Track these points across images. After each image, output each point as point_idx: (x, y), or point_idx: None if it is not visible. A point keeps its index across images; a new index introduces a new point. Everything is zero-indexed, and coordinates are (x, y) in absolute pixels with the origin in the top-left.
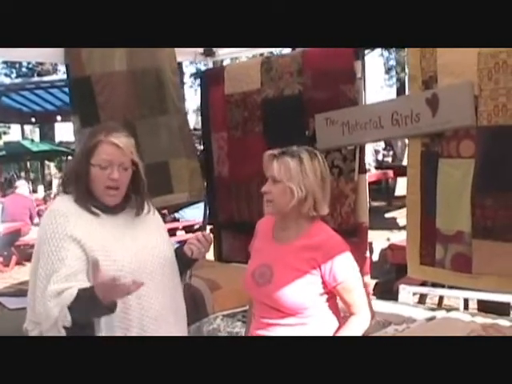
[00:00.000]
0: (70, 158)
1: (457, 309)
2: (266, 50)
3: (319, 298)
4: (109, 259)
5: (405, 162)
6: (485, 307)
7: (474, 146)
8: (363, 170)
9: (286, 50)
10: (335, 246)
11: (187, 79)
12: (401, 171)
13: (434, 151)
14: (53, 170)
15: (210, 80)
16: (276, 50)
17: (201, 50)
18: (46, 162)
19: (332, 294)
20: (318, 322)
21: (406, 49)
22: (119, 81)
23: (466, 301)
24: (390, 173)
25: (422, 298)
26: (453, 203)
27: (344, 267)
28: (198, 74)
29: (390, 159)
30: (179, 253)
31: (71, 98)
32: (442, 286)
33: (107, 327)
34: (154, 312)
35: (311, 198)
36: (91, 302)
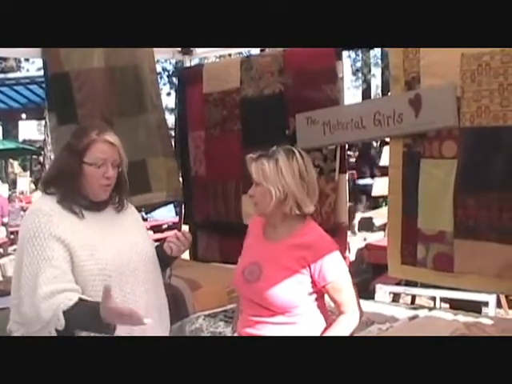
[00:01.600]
0: (34, 156)
1: (430, 307)
2: (235, 51)
3: (308, 297)
4: (93, 258)
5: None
6: (456, 305)
7: (457, 146)
8: (344, 169)
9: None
10: (325, 246)
11: None
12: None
13: (415, 151)
14: (16, 169)
15: (187, 78)
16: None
17: (179, 48)
18: (10, 161)
19: (321, 293)
20: (306, 321)
21: (388, 49)
22: (98, 78)
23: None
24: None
25: (396, 297)
26: (435, 203)
27: (334, 267)
28: (163, 73)
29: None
30: (159, 251)
31: (48, 94)
32: (415, 286)
33: None
34: (139, 310)
35: (291, 197)
36: (91, 317)
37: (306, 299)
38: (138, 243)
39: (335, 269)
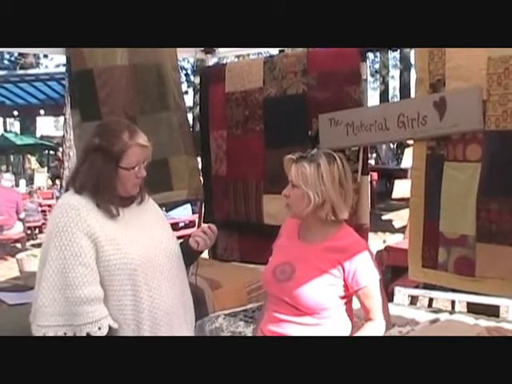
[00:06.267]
0: (51, 152)
1: (450, 311)
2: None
3: (338, 300)
4: (119, 252)
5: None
6: (474, 309)
7: (481, 150)
8: (366, 171)
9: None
10: (361, 251)
11: None
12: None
13: (439, 154)
14: (34, 165)
15: (209, 77)
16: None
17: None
18: (28, 156)
19: (350, 298)
20: (332, 324)
21: (413, 51)
22: (121, 75)
23: (453, 302)
24: (374, 175)
25: (414, 300)
26: (457, 206)
27: (367, 272)
28: (181, 72)
29: (372, 161)
30: (184, 246)
31: (71, 91)
32: (432, 289)
33: (119, 320)
34: (164, 305)
35: (328, 203)
36: None
37: (335, 302)
38: (164, 241)
39: (369, 274)
